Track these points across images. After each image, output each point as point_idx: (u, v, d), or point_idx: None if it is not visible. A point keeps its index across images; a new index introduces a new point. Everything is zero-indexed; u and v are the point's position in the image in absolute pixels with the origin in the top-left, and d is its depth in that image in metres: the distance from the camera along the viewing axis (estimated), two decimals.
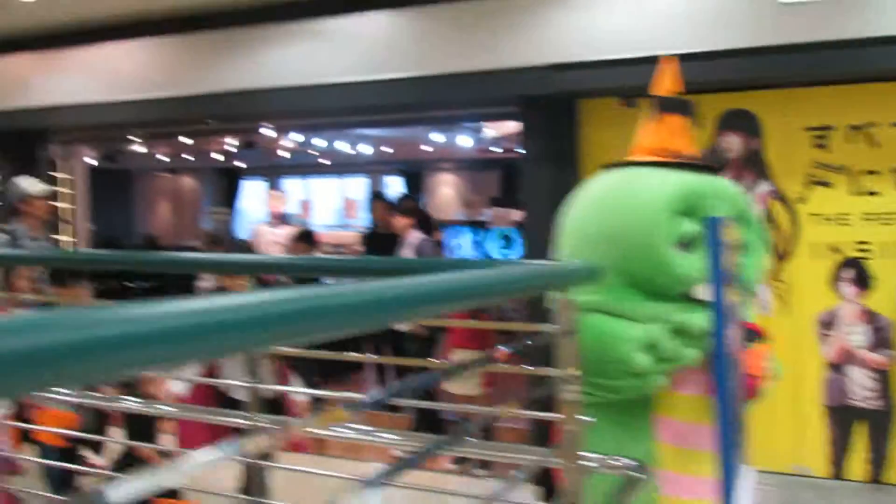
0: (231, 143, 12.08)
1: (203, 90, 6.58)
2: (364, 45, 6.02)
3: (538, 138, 5.62)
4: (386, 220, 6.83)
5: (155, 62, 6.87)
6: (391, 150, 13.39)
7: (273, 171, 16.76)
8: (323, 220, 15.82)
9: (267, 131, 8.23)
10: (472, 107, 6.41)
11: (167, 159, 14.77)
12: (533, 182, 5.63)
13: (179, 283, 9.20)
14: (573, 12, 5.32)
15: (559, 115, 5.55)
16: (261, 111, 6.81)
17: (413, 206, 6.28)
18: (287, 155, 13.96)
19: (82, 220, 10.12)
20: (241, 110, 6.72)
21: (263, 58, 6.39)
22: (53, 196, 5.54)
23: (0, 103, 7.55)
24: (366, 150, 13.03)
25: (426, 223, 6.80)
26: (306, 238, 7.14)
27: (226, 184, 17.59)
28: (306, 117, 7.32)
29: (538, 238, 5.63)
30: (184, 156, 14.65)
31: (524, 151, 5.76)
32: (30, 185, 5.62)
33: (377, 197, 7.57)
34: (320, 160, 14.93)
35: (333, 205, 17.03)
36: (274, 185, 17.17)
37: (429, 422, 6.16)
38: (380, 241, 6.84)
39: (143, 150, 12.68)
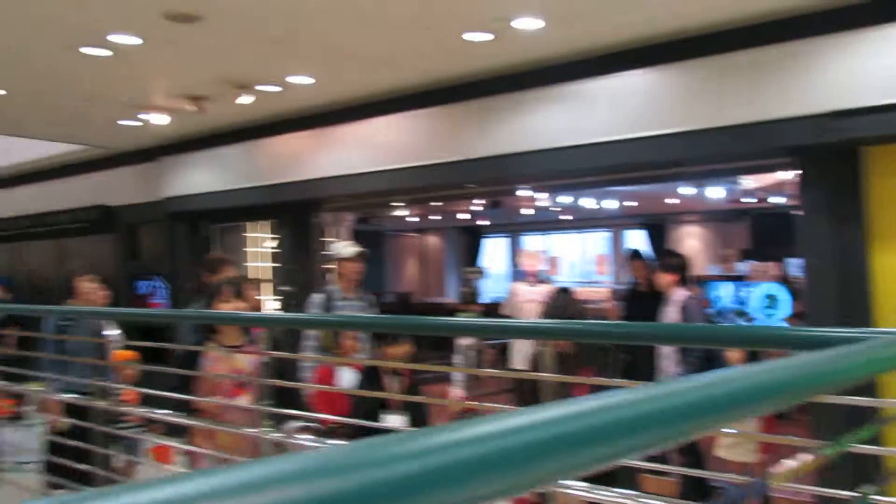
0: (476, 202, 12.46)
1: (463, 157, 6.84)
2: (623, 103, 6.00)
3: (816, 190, 5.30)
4: (647, 276, 6.69)
5: (417, 133, 7.25)
6: (635, 204, 13.22)
7: (514, 227, 17.07)
8: (567, 277, 15.82)
9: (522, 192, 8.39)
10: (736, 160, 6.19)
11: (415, 219, 15.51)
12: (812, 236, 5.30)
13: (439, 339, 9.52)
14: (851, 56, 4.99)
15: (840, 165, 5.21)
16: (518, 174, 6.96)
17: (678, 262, 6.08)
18: (530, 212, 14.19)
19: None
20: (498, 174, 6.91)
21: (520, 123, 6.54)
22: (363, 257, 5.84)
23: (280, 177, 8.28)
24: (610, 204, 12.95)
25: (684, 279, 6.59)
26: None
27: (468, 241, 18.14)
28: (564, 178, 7.39)
29: (820, 296, 5.28)
30: (430, 216, 15.33)
31: (800, 204, 5.45)
32: (342, 247, 5.95)
33: (637, 254, 7.43)
34: (562, 216, 15.03)
35: (575, 260, 17.01)
36: (515, 242, 17.48)
37: (697, 488, 5.87)
38: (642, 299, 6.71)
39: (394, 212, 13.39)
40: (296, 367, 5.53)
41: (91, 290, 5.83)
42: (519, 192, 8.51)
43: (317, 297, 5.73)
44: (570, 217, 15.22)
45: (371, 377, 4.33)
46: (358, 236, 12.82)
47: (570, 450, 0.71)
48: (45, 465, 5.18)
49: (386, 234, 17.66)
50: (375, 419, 3.70)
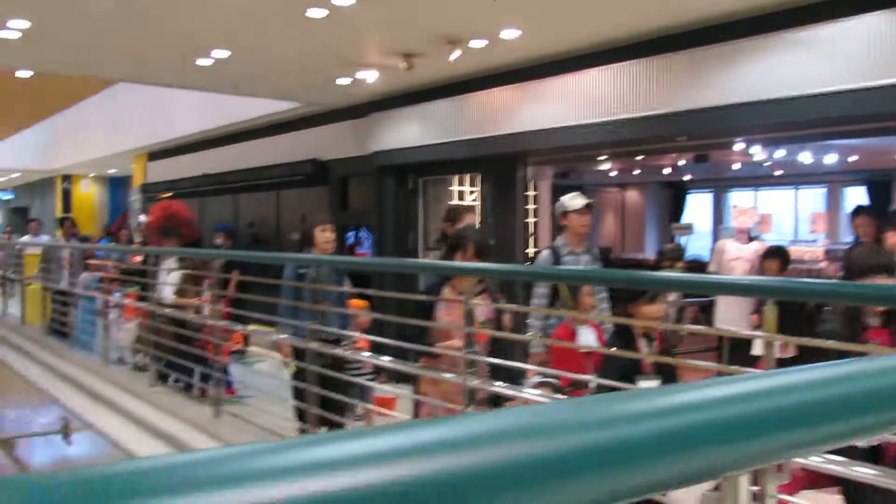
0: (682, 156, 12.04)
1: (674, 109, 6.62)
2: (852, 50, 5.56)
3: None
4: (874, 235, 6.23)
5: (627, 85, 7.08)
6: (856, 158, 12.29)
7: (720, 183, 16.40)
8: (777, 235, 15.03)
9: (736, 146, 8.03)
10: None
11: (615, 174, 15.22)
12: None
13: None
14: None
15: None
16: (733, 127, 6.66)
17: None
18: (737, 166, 13.56)
19: (546, 234, 10.81)
20: (711, 127, 6.64)
21: (736, 73, 6.23)
22: (591, 209, 5.52)
23: (486, 131, 8.38)
24: (828, 159, 12.11)
25: None
26: (779, 255, 6.81)
27: (670, 197, 17.62)
28: (782, 131, 6.99)
29: None
30: (631, 171, 14.99)
31: None
32: (569, 200, 5.57)
33: (862, 210, 6.91)
34: (773, 171, 14.24)
35: (785, 217, 16.12)
36: (720, 198, 16.80)
37: None
38: None
39: (596, 167, 13.21)
40: (516, 322, 5.49)
41: (328, 240, 5.79)
42: (733, 146, 8.13)
43: (544, 253, 5.51)
44: (782, 172, 14.39)
45: (624, 338, 3.95)
46: (557, 191, 12.78)
47: (826, 419, 0.66)
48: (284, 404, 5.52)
49: (585, 189, 17.47)
50: (632, 383, 3.50)
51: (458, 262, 4.35)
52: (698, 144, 8.88)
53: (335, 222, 5.86)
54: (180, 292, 6.62)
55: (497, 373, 3.93)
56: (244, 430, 5.08)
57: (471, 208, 5.34)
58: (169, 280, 6.83)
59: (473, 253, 4.39)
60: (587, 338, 4.69)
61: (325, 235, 5.75)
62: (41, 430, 6.72)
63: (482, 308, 4.19)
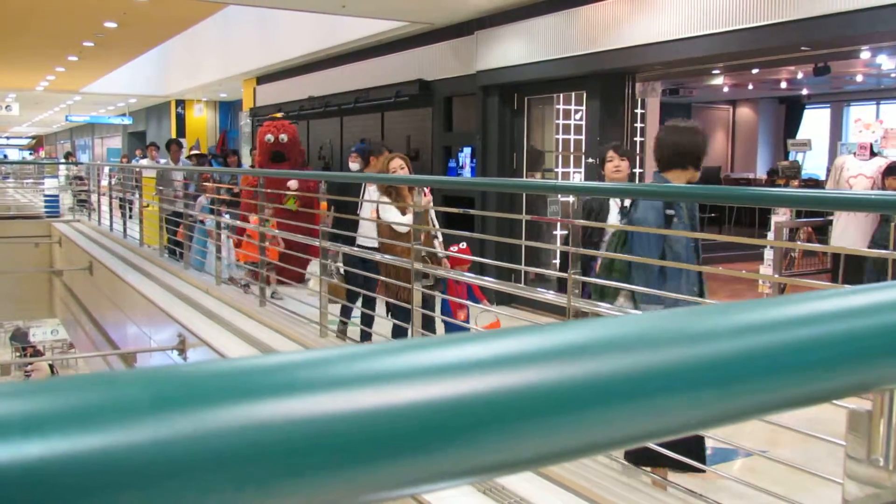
0: (799, 69, 11.48)
1: (798, 16, 6.29)
2: None
3: None
4: None
5: None
6: None
7: (838, 97, 15.63)
8: None
9: (864, 55, 7.60)
10: None
11: (726, 90, 14.68)
12: None
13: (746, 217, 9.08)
14: None
15: None
16: (861, 34, 6.29)
17: None
18: (859, 79, 12.89)
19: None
20: (839, 34, 6.29)
21: None
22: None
23: (594, 47, 8.17)
24: None
25: None
26: None
27: (784, 113, 16.93)
28: None
29: None
30: (743, 86, 14.42)
31: None
32: None
33: None
34: None
35: None
36: (837, 113, 16.06)
37: None
38: None
39: (708, 82, 12.75)
40: None
41: (618, 169, 4.58)
42: (859, 55, 7.69)
43: None
44: None
45: None
46: (665, 108, 12.40)
47: None
48: None
49: (694, 106, 16.94)
50: None
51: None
52: (821, 54, 8.42)
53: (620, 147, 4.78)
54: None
55: None
56: None
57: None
58: (391, 216, 5.63)
59: None
60: None
61: (612, 164, 4.51)
62: (159, 346, 6.93)
63: None
